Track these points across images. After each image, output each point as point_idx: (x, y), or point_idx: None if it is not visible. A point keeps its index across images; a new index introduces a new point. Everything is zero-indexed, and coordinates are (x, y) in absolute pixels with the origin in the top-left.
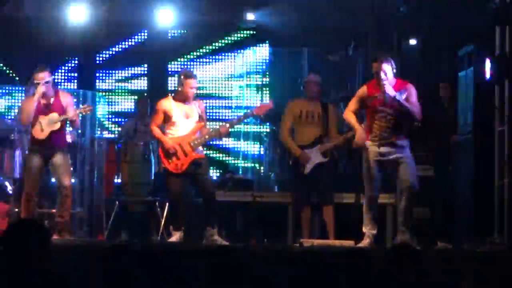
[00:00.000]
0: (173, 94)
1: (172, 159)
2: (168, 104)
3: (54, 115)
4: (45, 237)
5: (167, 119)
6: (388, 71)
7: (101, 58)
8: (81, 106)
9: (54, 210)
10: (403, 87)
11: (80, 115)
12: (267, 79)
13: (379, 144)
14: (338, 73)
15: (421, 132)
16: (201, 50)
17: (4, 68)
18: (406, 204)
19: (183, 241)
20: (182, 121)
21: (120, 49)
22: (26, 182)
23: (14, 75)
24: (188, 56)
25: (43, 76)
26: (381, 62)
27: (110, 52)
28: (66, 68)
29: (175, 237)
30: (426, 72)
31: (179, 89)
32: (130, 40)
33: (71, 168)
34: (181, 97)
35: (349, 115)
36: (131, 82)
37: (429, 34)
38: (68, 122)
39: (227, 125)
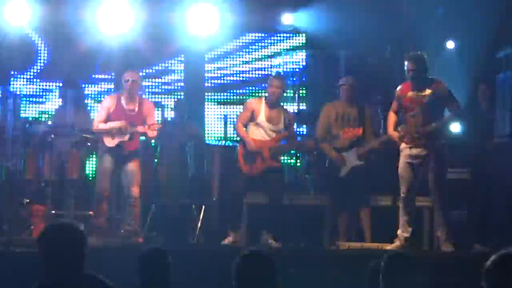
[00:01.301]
0: (265, 96)
1: (249, 161)
2: (258, 104)
3: (126, 126)
4: (81, 239)
5: (252, 119)
6: (413, 68)
7: None
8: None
9: (91, 212)
10: (434, 88)
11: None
12: (304, 82)
13: (411, 146)
14: (375, 76)
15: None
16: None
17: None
18: (436, 211)
19: (240, 241)
20: (266, 125)
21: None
22: (97, 183)
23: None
24: (225, 61)
25: (131, 75)
26: (405, 60)
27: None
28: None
29: (231, 237)
30: (464, 74)
31: (267, 91)
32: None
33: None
34: (269, 99)
35: (389, 116)
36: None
37: (467, 35)
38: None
39: (313, 140)
